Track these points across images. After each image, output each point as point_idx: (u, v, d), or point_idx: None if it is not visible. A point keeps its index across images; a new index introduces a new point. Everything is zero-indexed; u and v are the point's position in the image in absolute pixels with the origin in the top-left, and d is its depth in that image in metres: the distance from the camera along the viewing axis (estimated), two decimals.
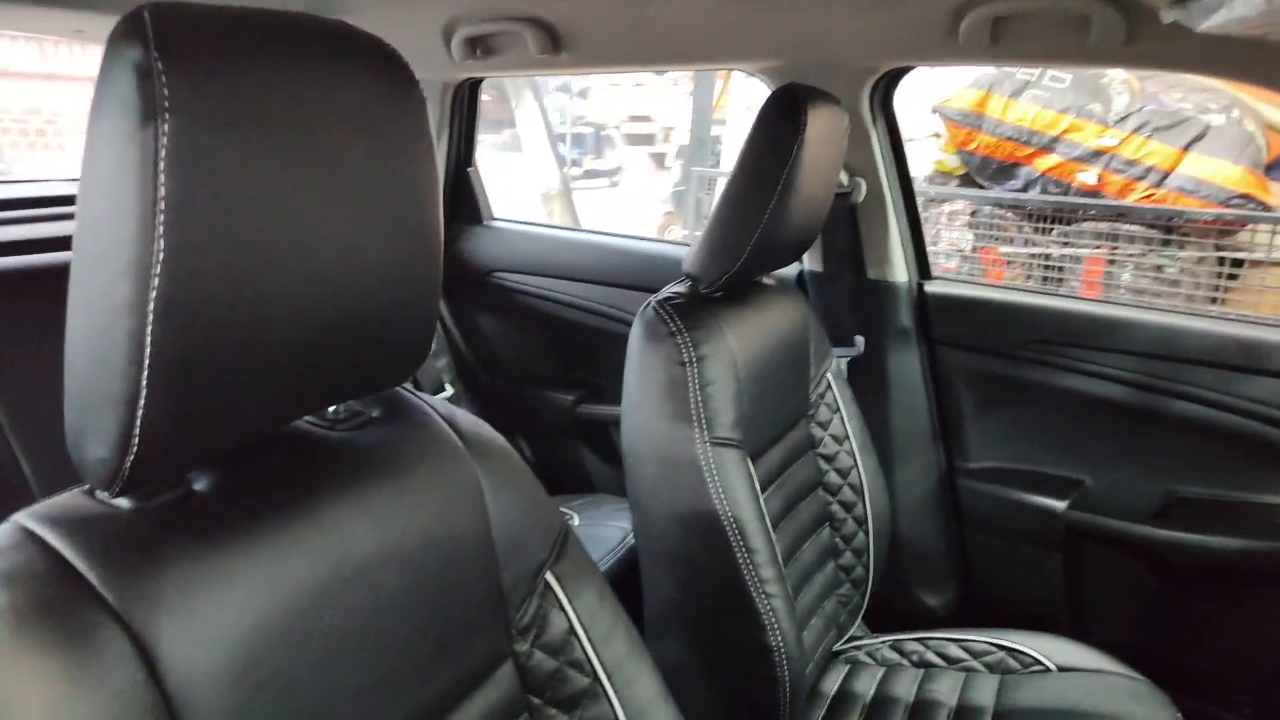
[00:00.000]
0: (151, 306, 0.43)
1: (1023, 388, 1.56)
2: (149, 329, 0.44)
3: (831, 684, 1.38)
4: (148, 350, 0.44)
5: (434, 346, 0.79)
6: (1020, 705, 1.26)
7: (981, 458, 1.62)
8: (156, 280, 0.43)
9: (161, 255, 0.43)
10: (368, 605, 0.59)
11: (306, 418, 0.66)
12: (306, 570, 0.56)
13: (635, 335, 1.12)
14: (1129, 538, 1.45)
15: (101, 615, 0.48)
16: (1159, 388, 1.42)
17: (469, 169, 2.08)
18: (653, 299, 1.13)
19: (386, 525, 0.62)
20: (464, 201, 2.09)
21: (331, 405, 0.65)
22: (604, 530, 1.74)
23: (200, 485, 0.56)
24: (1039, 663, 1.34)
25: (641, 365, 1.09)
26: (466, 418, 0.76)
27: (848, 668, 1.42)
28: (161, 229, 0.43)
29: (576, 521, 1.79)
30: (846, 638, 1.48)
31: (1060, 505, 1.50)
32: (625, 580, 1.28)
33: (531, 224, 2.13)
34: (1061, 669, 1.32)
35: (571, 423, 2.01)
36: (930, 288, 1.62)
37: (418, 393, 0.74)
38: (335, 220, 0.50)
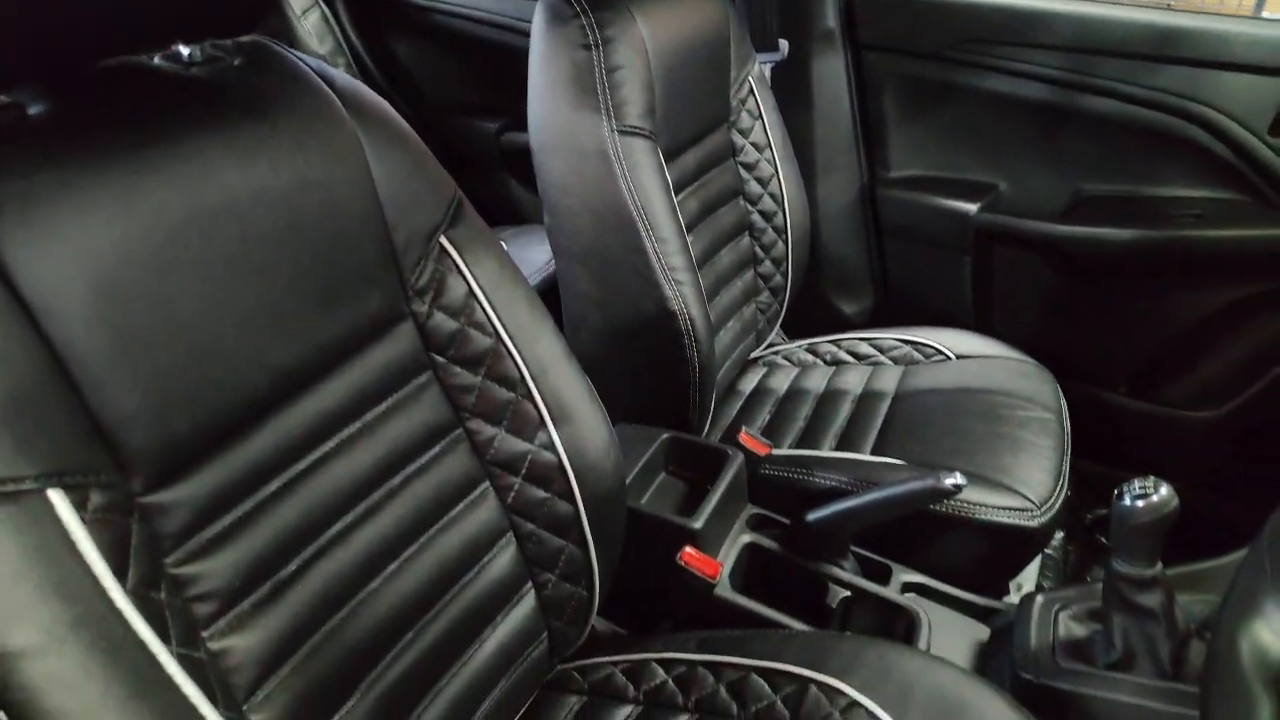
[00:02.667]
0: None
1: (947, 92, 1.55)
2: None
3: (749, 384, 1.48)
4: None
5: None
6: (919, 388, 1.36)
7: (902, 166, 1.63)
8: None
9: None
10: (239, 238, 0.60)
11: (156, 58, 0.63)
12: (166, 195, 0.56)
13: (538, 21, 1.06)
14: (1035, 236, 1.51)
15: None
16: (1075, 83, 1.41)
17: None
18: None
19: (254, 162, 0.61)
20: None
21: (179, 44, 0.62)
22: (529, 254, 1.76)
23: (37, 109, 0.54)
24: (940, 352, 1.44)
25: (545, 51, 1.04)
26: (343, 77, 0.73)
27: (765, 369, 1.51)
28: None
29: None
30: (766, 344, 1.56)
31: (973, 209, 1.53)
32: (550, 300, 1.32)
33: None
34: (960, 356, 1.42)
35: (497, 152, 1.96)
36: None
37: (290, 48, 0.71)
38: None
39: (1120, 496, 0.83)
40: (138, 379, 0.54)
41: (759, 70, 1.41)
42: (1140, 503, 0.82)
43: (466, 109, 2.00)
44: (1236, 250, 1.39)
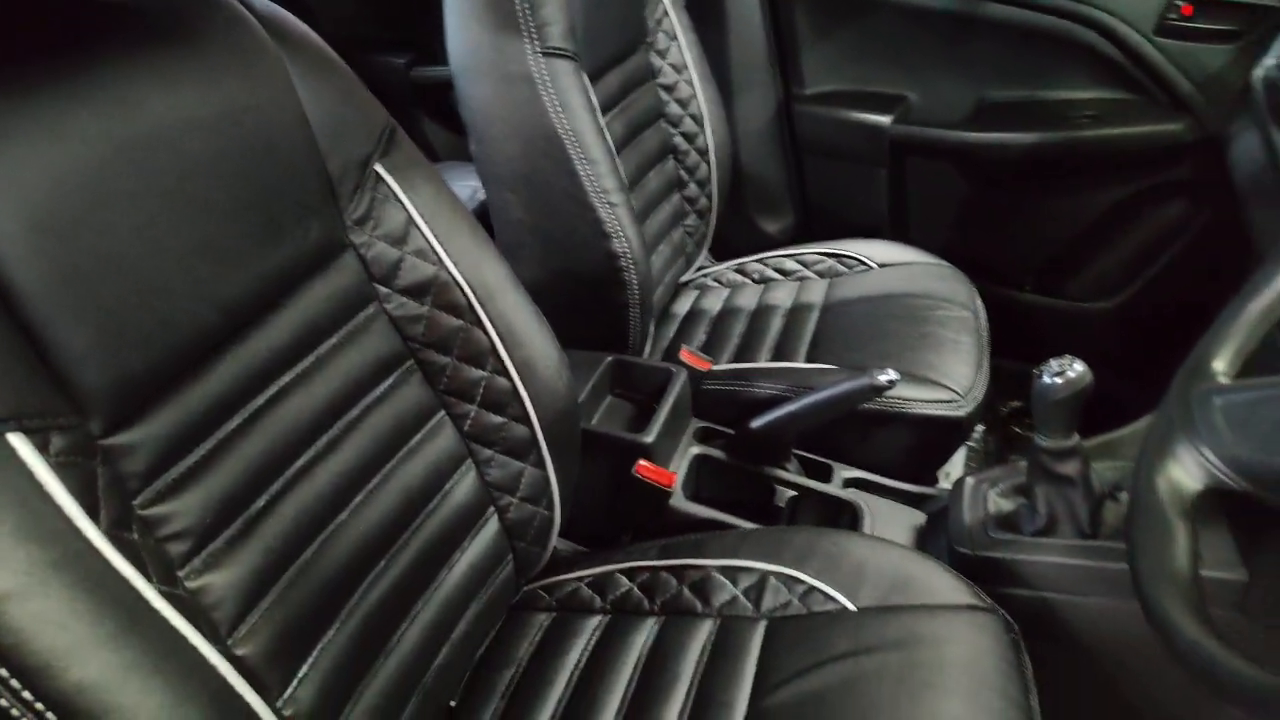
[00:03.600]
0: None
1: (856, 6, 1.57)
2: None
3: (682, 307, 1.51)
4: None
5: None
6: (845, 297, 1.41)
7: (816, 83, 1.66)
8: None
9: None
10: (173, 169, 0.58)
11: None
12: (93, 124, 0.54)
13: None
14: (944, 145, 1.56)
15: None
16: None
17: None
18: None
19: (180, 90, 0.59)
20: None
21: None
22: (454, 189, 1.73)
23: None
24: (862, 263, 1.50)
25: None
26: (263, 2, 0.70)
27: (697, 292, 1.54)
28: None
29: None
30: (695, 268, 1.59)
31: (887, 121, 1.58)
32: None
33: None
34: (881, 265, 1.48)
35: (407, 88, 1.90)
36: None
37: None
38: None
39: (1040, 375, 0.90)
40: (84, 316, 0.53)
41: None
42: (1059, 379, 0.88)
43: (371, 44, 1.92)
44: (1127, 147, 1.47)
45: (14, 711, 0.46)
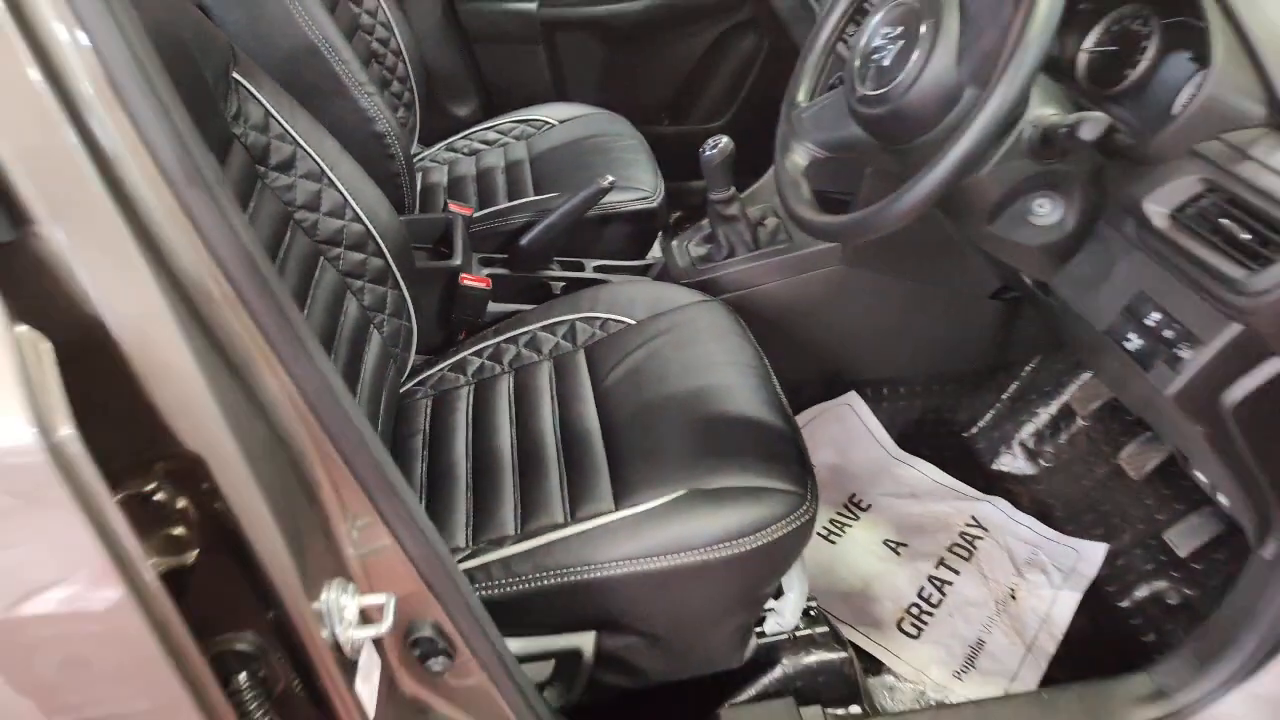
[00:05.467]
0: None
1: None
2: None
3: (419, 183, 1.80)
4: None
5: None
6: (544, 149, 1.81)
7: None
8: None
9: None
10: None
11: None
12: None
13: None
14: (580, 18, 2.00)
15: None
16: None
17: None
18: None
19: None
20: None
21: None
22: None
23: None
24: (546, 122, 1.90)
25: None
26: None
27: (421, 173, 1.84)
28: None
29: None
30: (414, 154, 1.88)
31: (533, 6, 1.97)
32: None
33: None
34: (561, 121, 1.89)
35: None
36: None
37: None
38: None
39: (704, 150, 1.38)
40: None
41: None
42: (715, 150, 1.37)
43: None
44: (706, 2, 2.01)
45: None
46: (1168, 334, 0.87)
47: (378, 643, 0.71)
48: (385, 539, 0.67)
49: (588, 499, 1.01)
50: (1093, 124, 0.84)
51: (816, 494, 1.03)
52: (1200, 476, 1.09)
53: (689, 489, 0.98)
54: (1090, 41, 1.11)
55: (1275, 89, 0.81)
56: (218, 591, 0.60)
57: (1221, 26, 0.84)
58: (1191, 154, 0.86)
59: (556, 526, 0.99)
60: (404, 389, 1.27)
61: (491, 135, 1.90)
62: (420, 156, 1.88)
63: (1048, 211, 0.98)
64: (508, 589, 0.96)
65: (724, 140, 1.38)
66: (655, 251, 1.77)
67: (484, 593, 0.95)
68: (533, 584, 0.96)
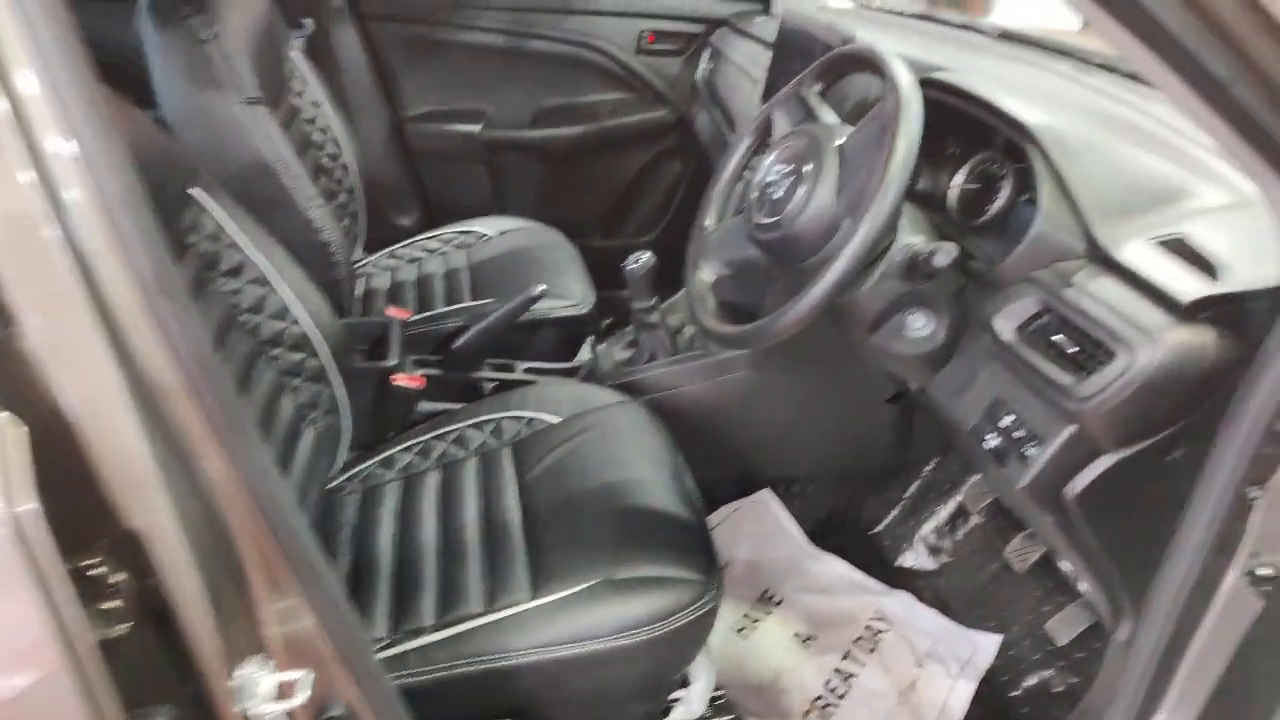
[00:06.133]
0: None
1: (437, 46, 2.08)
2: None
3: (358, 290, 1.89)
4: None
5: None
6: (482, 258, 1.93)
7: (418, 105, 2.14)
8: None
9: None
10: None
11: None
12: None
13: (147, 26, 1.32)
14: (519, 142, 2.15)
15: None
16: (522, 32, 2.06)
17: None
18: None
19: None
20: None
21: None
22: None
23: None
24: (486, 234, 2.02)
25: (166, 47, 1.31)
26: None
27: (363, 279, 1.94)
28: None
29: None
30: (355, 260, 1.98)
31: (476, 128, 2.12)
32: None
33: None
34: (500, 233, 2.02)
35: None
36: None
37: None
38: None
39: (627, 264, 1.50)
40: None
41: (295, 44, 1.77)
42: (637, 264, 1.50)
43: None
44: (638, 130, 2.20)
45: None
46: (1018, 434, 1.00)
47: (292, 716, 0.75)
48: (308, 619, 0.73)
49: (506, 588, 1.07)
50: (945, 252, 0.98)
51: (721, 583, 1.11)
52: (1065, 567, 1.20)
53: (602, 578, 1.05)
54: (959, 179, 1.28)
55: (1090, 229, 0.97)
56: (141, 664, 0.64)
57: (1046, 175, 1.00)
58: (1030, 280, 1.00)
59: (474, 616, 1.04)
60: (335, 484, 1.33)
61: (433, 244, 2.01)
62: (364, 263, 1.98)
63: (921, 325, 1.11)
64: (423, 677, 1.00)
65: (646, 255, 1.51)
66: (585, 354, 1.87)
67: (401, 681, 1.00)
68: (447, 672, 1.00)
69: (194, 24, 1.32)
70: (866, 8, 2.08)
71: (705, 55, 2.12)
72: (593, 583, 1.05)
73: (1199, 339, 0.87)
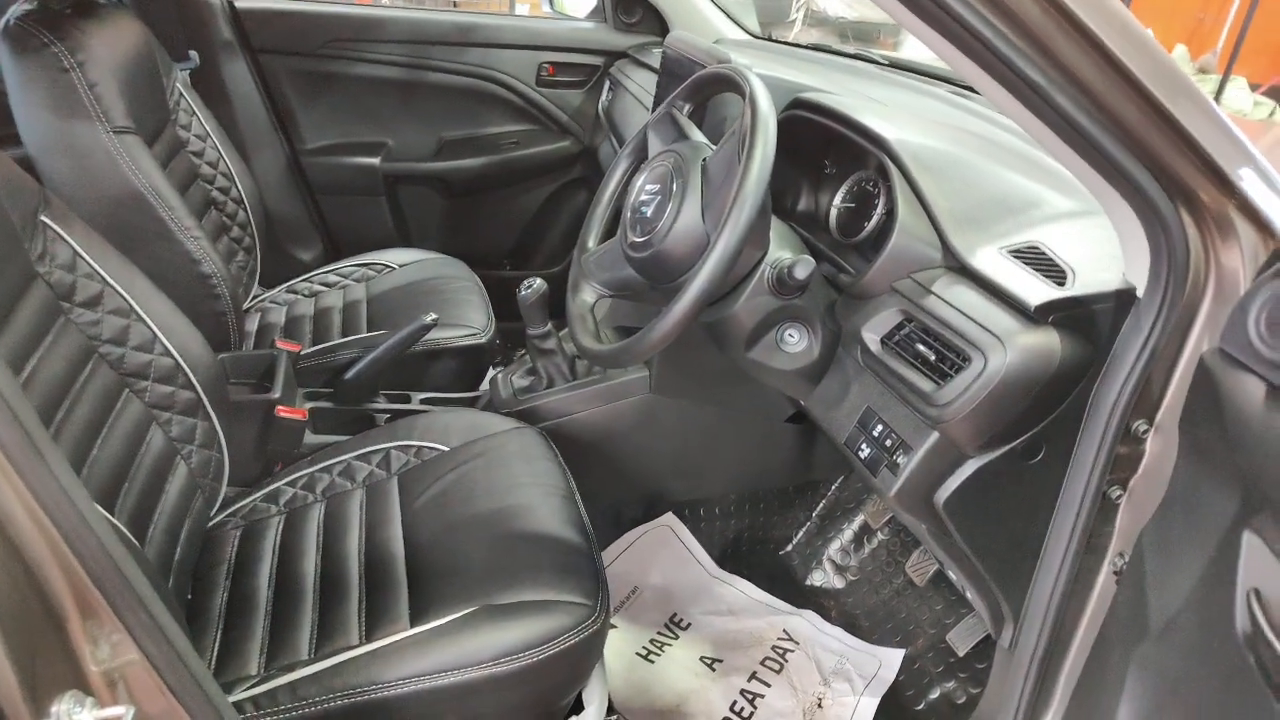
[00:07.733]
0: None
1: (331, 80, 2.06)
2: None
3: (253, 324, 1.84)
4: None
5: None
6: (382, 290, 1.90)
7: (315, 139, 2.12)
8: None
9: None
10: None
11: None
12: None
13: (4, 52, 1.27)
14: (421, 174, 2.14)
15: None
16: (420, 65, 2.06)
17: None
18: (10, 13, 1.28)
19: None
20: None
21: None
22: None
23: None
24: (386, 266, 1.99)
25: (24, 77, 1.27)
26: None
27: (259, 314, 1.89)
28: None
29: None
30: (252, 296, 1.93)
31: (376, 161, 2.10)
32: None
33: None
34: (402, 265, 1.99)
35: None
36: (240, 3, 1.95)
37: None
38: None
39: (520, 291, 1.49)
40: None
41: (181, 76, 1.74)
42: (529, 290, 1.49)
43: None
44: (541, 161, 2.21)
45: None
46: (888, 443, 1.01)
47: None
48: (133, 653, 0.69)
49: (384, 619, 1.04)
50: (804, 264, 1.00)
51: (608, 605, 1.09)
52: (952, 576, 1.21)
53: (481, 604, 1.02)
54: (838, 199, 1.31)
55: (945, 238, 0.99)
56: None
57: (903, 190, 1.03)
58: (892, 290, 1.03)
59: (349, 648, 1.01)
60: (215, 520, 1.27)
61: (333, 278, 1.97)
62: (261, 297, 1.93)
63: (796, 340, 1.13)
64: (293, 713, 0.96)
65: (538, 282, 1.50)
66: (487, 384, 1.85)
67: (269, 719, 0.95)
68: (319, 707, 0.96)
69: (55, 52, 1.29)
70: (766, 39, 2.13)
71: (606, 86, 2.14)
72: (471, 609, 1.02)
73: (1047, 341, 0.89)
